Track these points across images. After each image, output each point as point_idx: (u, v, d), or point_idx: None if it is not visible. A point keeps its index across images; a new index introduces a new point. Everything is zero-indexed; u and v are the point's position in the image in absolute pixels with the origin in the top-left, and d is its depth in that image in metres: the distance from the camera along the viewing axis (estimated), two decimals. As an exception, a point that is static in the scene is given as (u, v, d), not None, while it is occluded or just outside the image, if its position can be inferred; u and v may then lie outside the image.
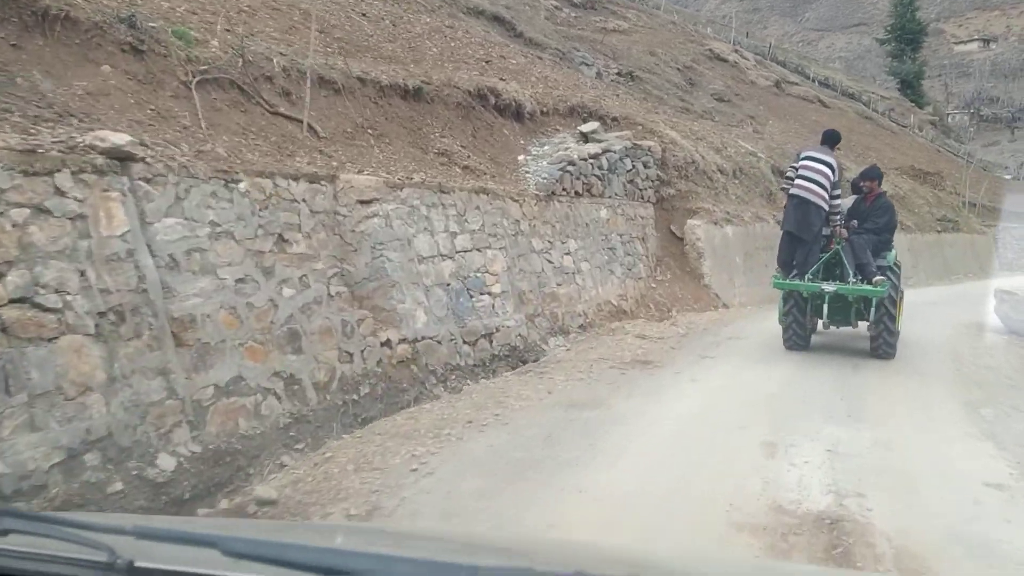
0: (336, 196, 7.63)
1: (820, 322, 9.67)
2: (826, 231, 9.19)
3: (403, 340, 7.60)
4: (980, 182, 31.11)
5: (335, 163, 8.09)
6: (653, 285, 12.66)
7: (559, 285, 10.43)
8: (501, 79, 13.44)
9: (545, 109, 13.67)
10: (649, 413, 6.10)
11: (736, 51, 41.96)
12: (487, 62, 14.75)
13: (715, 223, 13.57)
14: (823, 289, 8.82)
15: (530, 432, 5.55)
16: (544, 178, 10.87)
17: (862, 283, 8.82)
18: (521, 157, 11.55)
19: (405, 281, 7.88)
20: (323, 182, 7.50)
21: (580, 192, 11.53)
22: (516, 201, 10.01)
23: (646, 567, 1.82)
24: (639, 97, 22.84)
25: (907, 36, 63.18)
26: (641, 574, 1.69)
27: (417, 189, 8.42)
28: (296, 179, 7.15)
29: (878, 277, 8.74)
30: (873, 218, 9.43)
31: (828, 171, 8.92)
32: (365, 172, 8.14)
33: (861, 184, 9.93)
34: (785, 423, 5.87)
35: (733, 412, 6.15)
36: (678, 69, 32.37)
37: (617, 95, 19.55)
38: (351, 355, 6.91)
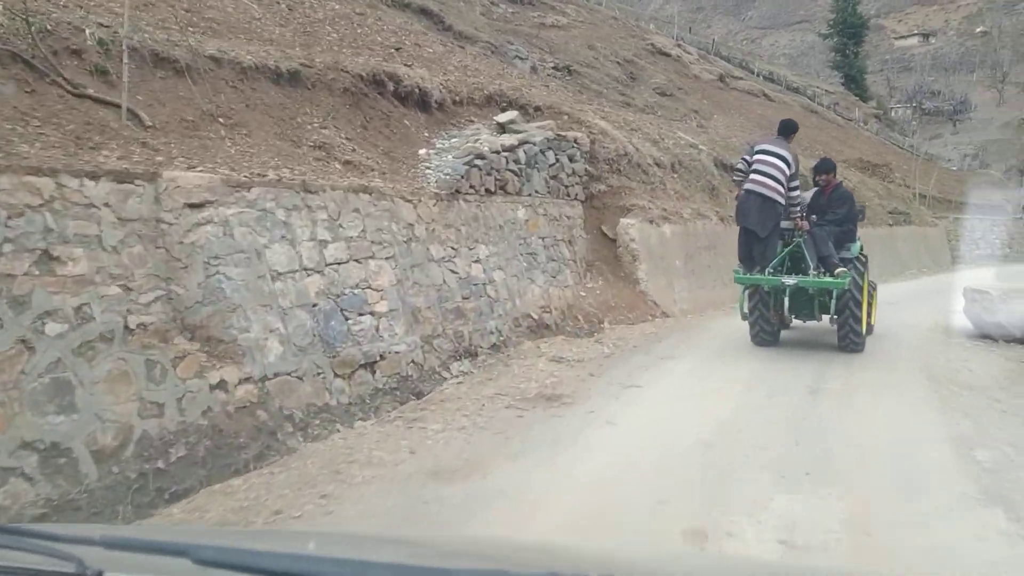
0: (158, 199, 5.93)
1: (792, 317, 9.60)
2: (787, 225, 9.04)
3: (246, 379, 5.92)
4: (929, 174, 30.29)
5: (161, 158, 6.38)
6: (582, 293, 11.13)
7: (465, 299, 8.84)
8: (407, 65, 11.83)
9: (458, 98, 12.08)
10: (537, 485, 4.50)
11: (679, 46, 40.84)
12: (397, 50, 13.12)
13: (651, 222, 12.09)
14: (783, 283, 8.72)
15: (359, 528, 3.91)
16: (447, 174, 9.26)
17: (824, 275, 8.71)
18: (423, 151, 9.94)
19: (251, 304, 6.21)
20: (138, 181, 5.79)
21: (492, 189, 9.95)
22: (409, 201, 8.39)
23: (620, 567, 1.71)
24: (574, 91, 21.38)
25: (849, 30, 63.24)
26: (615, 573, 1.54)
27: (271, 189, 6.73)
28: (95, 177, 5.45)
29: (839, 269, 8.64)
30: (833, 209, 9.32)
31: (783, 164, 8.69)
32: (198, 168, 6.46)
33: (817, 179, 9.80)
34: (721, 491, 4.33)
35: (653, 475, 4.61)
36: (618, 63, 31.04)
37: (547, 86, 18.07)
38: (160, 406, 5.21)
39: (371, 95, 10.17)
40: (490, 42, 24.53)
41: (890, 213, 21.84)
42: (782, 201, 8.67)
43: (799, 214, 9.03)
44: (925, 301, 13.49)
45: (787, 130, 9.39)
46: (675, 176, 14.07)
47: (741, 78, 41.87)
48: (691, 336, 9.56)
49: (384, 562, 1.45)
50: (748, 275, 8.98)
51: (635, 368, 7.83)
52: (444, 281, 8.58)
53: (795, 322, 9.98)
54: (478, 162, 9.67)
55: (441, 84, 11.80)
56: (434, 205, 8.77)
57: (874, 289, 10.54)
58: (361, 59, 10.76)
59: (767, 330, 9.42)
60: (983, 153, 69.87)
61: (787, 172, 8.72)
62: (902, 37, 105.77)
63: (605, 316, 10.92)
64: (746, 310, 9.44)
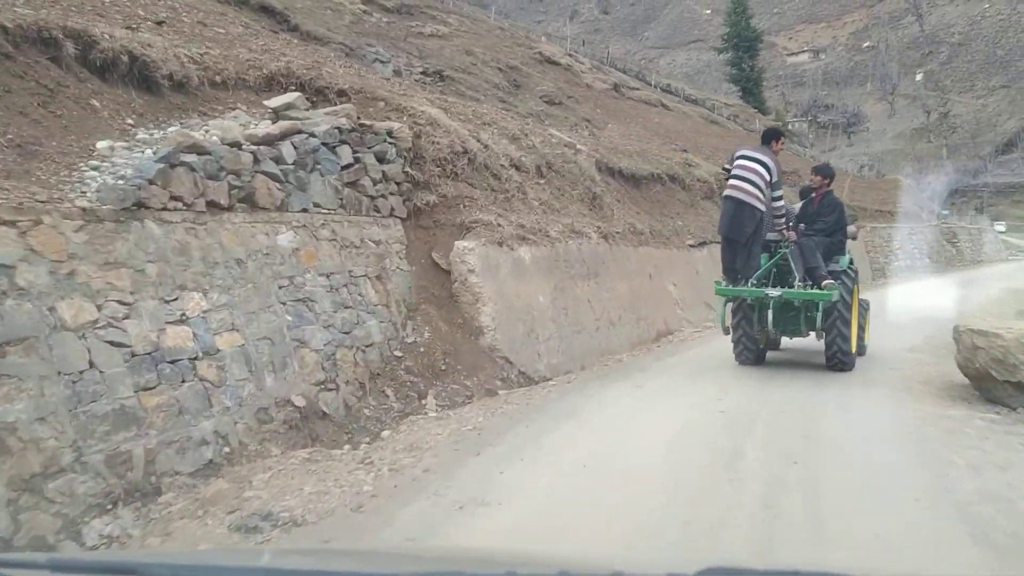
0: None
1: (779, 335, 9.18)
2: (773, 236, 8.61)
3: None
4: (840, 181, 27.89)
5: None
6: (398, 353, 7.40)
7: (148, 390, 5.00)
8: (129, 27, 7.99)
9: (220, 79, 8.29)
10: None
11: (570, 55, 38.02)
12: (159, 23, 9.25)
13: (501, 244, 8.41)
14: (767, 295, 8.21)
15: None
16: (123, 179, 5.45)
17: (811, 288, 8.22)
18: (106, 144, 6.09)
19: None
20: None
21: (224, 203, 6.14)
22: (11, 224, 4.55)
23: (574, 563, 1.71)
24: (437, 93, 17.84)
25: (743, 44, 62.46)
26: (570, 569, 1.54)
27: None
28: None
29: (827, 281, 8.19)
30: (822, 218, 8.89)
31: (763, 170, 8.22)
32: None
33: (810, 182, 9.51)
34: None
35: None
36: (500, 70, 27.77)
37: (404, 93, 14.40)
38: None
39: (30, 58, 6.29)
40: (344, 43, 20.82)
41: (806, 223, 19.09)
42: (761, 207, 8.17)
43: (785, 224, 8.51)
44: (881, 333, 10.22)
45: (769, 137, 8.85)
46: (541, 183, 10.51)
47: (637, 88, 39.29)
48: (548, 432, 5.76)
49: (336, 571, 1.49)
50: (729, 287, 8.47)
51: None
52: (91, 364, 4.72)
53: (780, 343, 9.63)
54: (191, 159, 5.83)
55: (188, 57, 7.98)
56: (78, 230, 4.91)
57: (867, 307, 9.89)
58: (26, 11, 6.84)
59: (750, 347, 8.85)
60: (878, 163, 69.65)
61: (767, 178, 8.18)
62: (793, 54, 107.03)
63: (431, 386, 7.22)
64: (728, 324, 8.85)
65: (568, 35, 52.60)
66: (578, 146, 12.85)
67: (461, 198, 8.68)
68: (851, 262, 9.04)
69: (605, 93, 34.07)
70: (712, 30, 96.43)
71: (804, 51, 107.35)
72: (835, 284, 8.19)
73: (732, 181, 8.39)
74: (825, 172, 9.34)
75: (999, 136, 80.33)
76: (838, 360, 8.41)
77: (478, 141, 9.60)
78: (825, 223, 8.78)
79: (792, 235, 8.54)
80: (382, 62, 21.33)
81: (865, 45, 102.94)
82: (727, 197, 8.50)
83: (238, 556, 2.28)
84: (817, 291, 8.07)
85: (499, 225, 8.62)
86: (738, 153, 8.68)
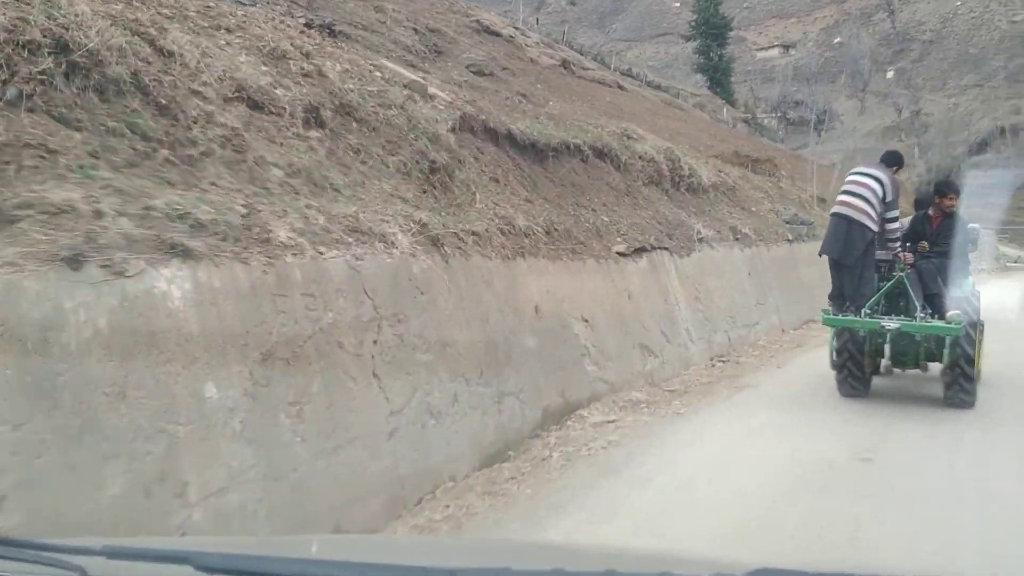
0: None
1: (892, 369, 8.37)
2: (883, 255, 7.71)
3: None
4: (827, 173, 23.04)
5: None
6: None
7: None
8: None
9: None
10: None
11: (515, 28, 32.97)
12: None
13: (77, 262, 3.30)
14: (883, 326, 7.23)
15: None
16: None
17: (932, 318, 7.29)
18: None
19: None
20: None
21: None
22: None
23: (624, 562, 1.70)
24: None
25: (712, 31, 58.38)
26: (618, 568, 1.47)
27: None
28: None
29: (952, 312, 7.19)
30: (942, 240, 7.78)
31: (876, 185, 7.41)
32: None
33: (935, 199, 8.06)
34: None
35: None
36: (416, 31, 22.69)
37: None
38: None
39: None
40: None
41: (788, 223, 14.01)
42: (873, 227, 7.34)
43: (898, 248, 7.69)
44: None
45: (891, 160, 7.95)
46: (314, 137, 5.29)
47: (591, 68, 34.40)
48: None
49: (386, 563, 1.44)
50: (838, 316, 7.54)
51: None
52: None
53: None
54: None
55: None
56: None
57: (982, 329, 8.05)
58: None
59: (857, 377, 7.80)
60: (849, 161, 65.41)
61: (880, 195, 7.37)
62: (763, 49, 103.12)
63: None
64: (834, 357, 7.81)
65: (522, 14, 47.53)
66: (431, 90, 7.70)
67: (23, 147, 3.50)
68: (973, 283, 8.03)
69: (552, 69, 29.13)
70: (681, 23, 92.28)
71: (774, 46, 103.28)
72: (960, 316, 7.16)
73: (841, 197, 7.72)
74: (957, 190, 8.10)
75: (972, 136, 76.47)
76: (959, 398, 7.42)
77: (147, 42, 4.42)
78: (948, 244, 7.69)
79: (909, 257, 7.78)
80: (244, 3, 16.09)
81: (836, 41, 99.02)
82: (834, 214, 7.82)
83: (288, 545, 2.23)
84: (942, 324, 7.19)
85: (100, 216, 3.45)
86: (854, 170, 8.11)
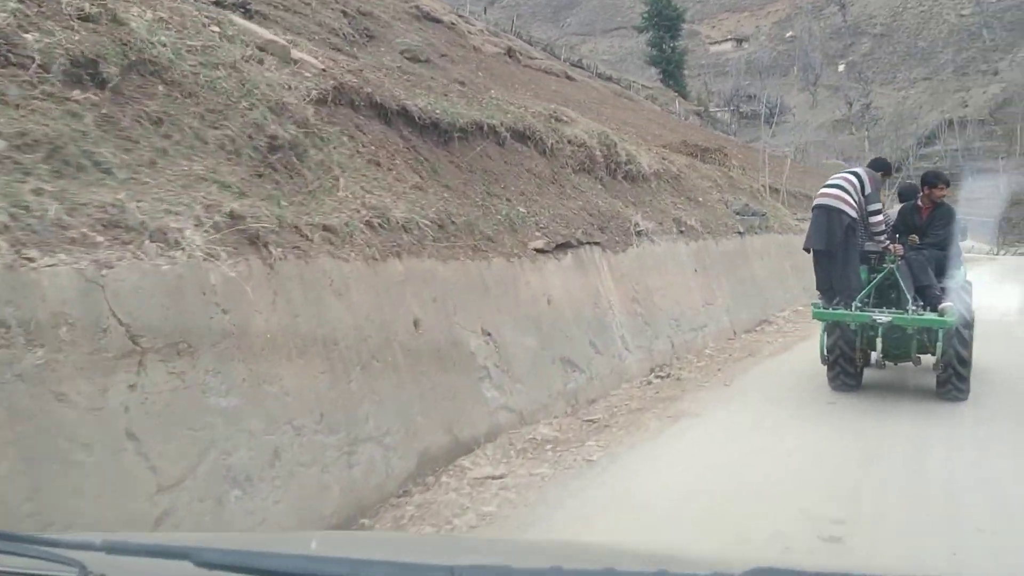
0: None
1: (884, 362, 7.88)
2: (871, 247, 7.63)
3: None
4: (780, 163, 21.82)
5: None
6: None
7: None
8: None
9: None
10: None
11: (459, 15, 31.48)
12: None
13: None
14: (875, 320, 7.09)
15: None
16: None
17: (924, 310, 7.14)
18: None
19: None
20: None
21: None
22: None
23: (623, 560, 1.70)
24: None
25: (665, 23, 57.31)
26: (617, 566, 1.46)
27: None
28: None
29: (945, 304, 7.04)
30: (933, 231, 7.72)
31: (855, 179, 7.49)
32: None
33: (924, 190, 7.88)
34: None
35: None
36: (345, 14, 21.14)
37: None
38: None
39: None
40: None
41: (738, 214, 12.70)
42: (853, 214, 7.25)
43: (885, 240, 7.53)
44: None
45: (877, 166, 8.02)
46: (83, 98, 3.88)
47: (538, 58, 33.02)
48: None
49: (386, 560, 1.43)
50: (829, 310, 7.32)
51: None
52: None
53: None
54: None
55: None
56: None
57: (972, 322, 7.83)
58: None
59: (849, 372, 7.66)
60: (802, 155, 65.21)
61: (857, 187, 7.34)
62: (716, 42, 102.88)
63: None
64: (825, 352, 7.67)
65: (470, 5, 45.91)
66: (297, 53, 6.21)
67: None
68: (965, 273, 7.68)
69: (495, 58, 27.70)
70: (635, 17, 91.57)
71: (727, 40, 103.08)
72: (953, 307, 6.96)
73: (820, 191, 7.73)
74: (947, 181, 8.08)
75: (921, 128, 76.75)
76: (953, 387, 7.22)
77: None
78: (937, 235, 7.62)
79: (899, 248, 7.55)
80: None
81: (788, 35, 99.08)
82: (814, 207, 7.69)
83: (287, 542, 2.23)
84: (934, 317, 6.99)
85: None
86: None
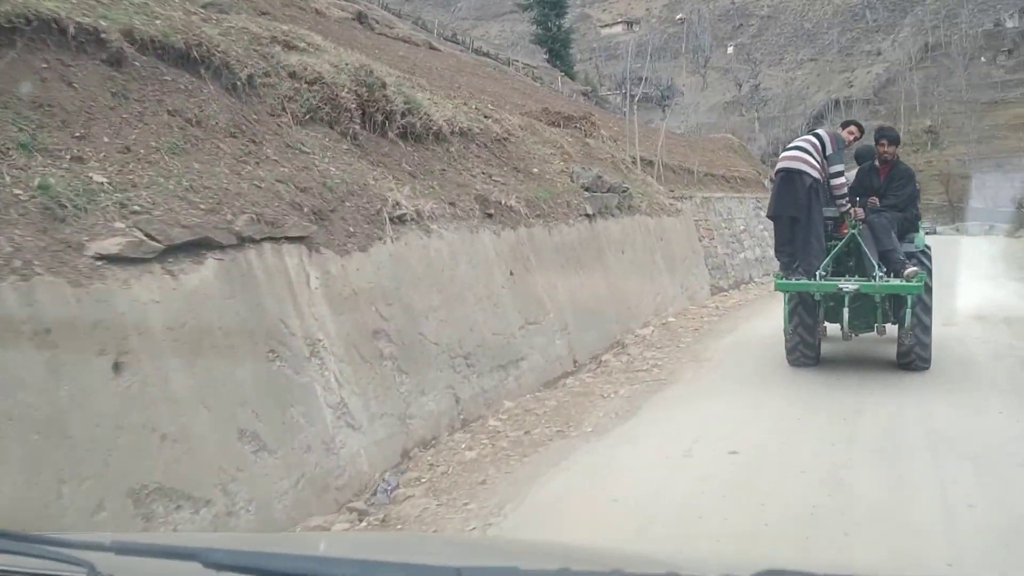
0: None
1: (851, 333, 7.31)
2: (831, 212, 7.19)
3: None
4: (655, 133, 18.50)
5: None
6: None
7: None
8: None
9: None
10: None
11: (302, -23, 27.24)
12: None
13: None
14: (840, 288, 6.66)
15: None
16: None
17: (890, 277, 6.75)
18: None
19: None
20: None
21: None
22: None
23: (631, 562, 1.60)
24: None
25: (550, 1, 54.19)
26: (625, 568, 1.38)
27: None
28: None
29: (911, 268, 6.71)
30: (892, 192, 7.36)
31: (816, 140, 7.17)
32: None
33: (876, 147, 7.52)
34: None
35: None
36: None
37: None
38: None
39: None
40: None
41: (588, 190, 9.05)
42: (816, 176, 6.95)
43: (846, 202, 7.09)
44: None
45: (844, 124, 7.70)
46: None
47: (398, 27, 29.08)
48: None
49: (394, 561, 1.39)
50: (792, 280, 6.92)
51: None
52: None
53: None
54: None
55: None
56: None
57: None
58: None
59: (809, 345, 7.27)
60: (693, 134, 63.58)
61: (819, 147, 7.07)
62: (607, 25, 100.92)
63: None
64: (787, 323, 7.26)
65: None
66: None
67: None
68: (924, 238, 7.45)
69: (341, 23, 23.74)
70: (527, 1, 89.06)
71: (618, 23, 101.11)
72: (920, 272, 6.74)
73: (782, 155, 7.45)
74: (892, 137, 7.64)
75: (809, 109, 76.29)
76: (916, 356, 6.96)
77: None
78: (897, 197, 7.31)
79: (860, 212, 7.12)
80: None
81: (678, 17, 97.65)
82: (776, 171, 7.37)
83: (296, 542, 2.28)
84: (902, 283, 6.64)
85: None
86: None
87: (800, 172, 6.91)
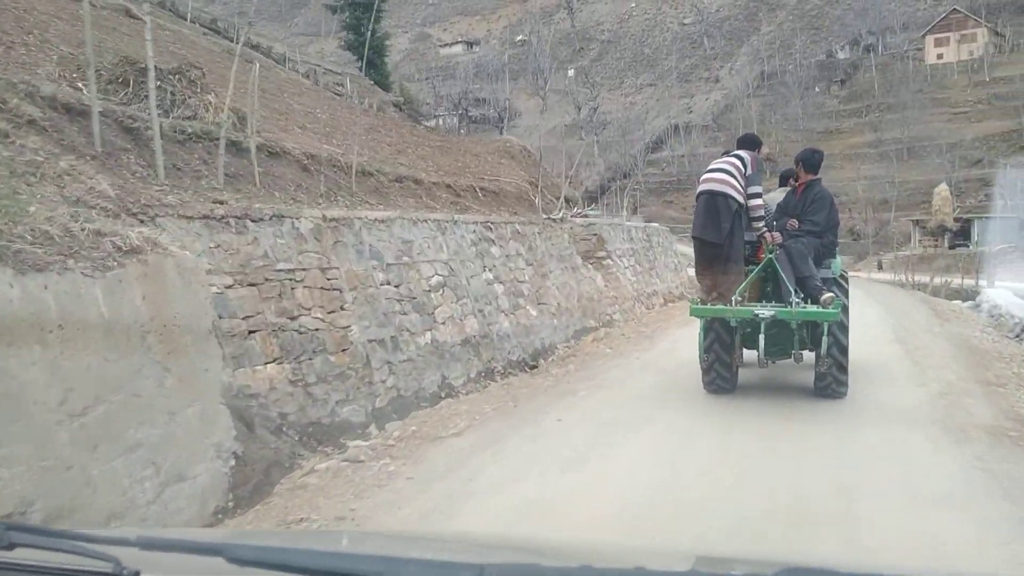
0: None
1: (768, 361, 7.39)
2: (749, 236, 7.13)
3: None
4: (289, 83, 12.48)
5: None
6: None
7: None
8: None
9: None
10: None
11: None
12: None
13: None
14: (757, 315, 6.64)
15: None
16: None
17: (806, 303, 6.74)
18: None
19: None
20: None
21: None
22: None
23: (653, 559, 1.68)
24: None
25: (361, 2, 48.17)
26: (648, 565, 1.43)
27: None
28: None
29: (827, 295, 6.69)
30: (809, 215, 7.25)
31: (737, 161, 7.06)
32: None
33: (797, 171, 7.52)
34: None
35: None
36: None
37: None
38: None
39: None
40: None
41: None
42: (740, 199, 6.87)
43: (763, 226, 7.05)
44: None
45: (747, 143, 7.50)
46: None
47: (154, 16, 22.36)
48: None
49: (416, 558, 1.38)
50: (707, 305, 6.96)
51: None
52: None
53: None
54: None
55: None
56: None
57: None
58: None
59: (724, 374, 7.26)
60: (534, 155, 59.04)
61: (741, 169, 6.99)
62: (447, 45, 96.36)
63: None
64: (702, 352, 7.26)
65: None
66: None
67: None
68: (841, 265, 7.61)
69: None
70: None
71: (457, 43, 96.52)
72: (836, 299, 6.74)
73: (703, 177, 7.16)
74: (810, 162, 7.39)
75: (648, 134, 73.65)
76: (833, 380, 6.94)
77: None
78: (813, 222, 7.17)
79: (776, 237, 7.05)
80: None
81: (518, 39, 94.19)
82: (699, 194, 7.09)
83: (319, 539, 2.30)
84: (819, 310, 6.61)
85: None
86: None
87: (725, 195, 6.87)
